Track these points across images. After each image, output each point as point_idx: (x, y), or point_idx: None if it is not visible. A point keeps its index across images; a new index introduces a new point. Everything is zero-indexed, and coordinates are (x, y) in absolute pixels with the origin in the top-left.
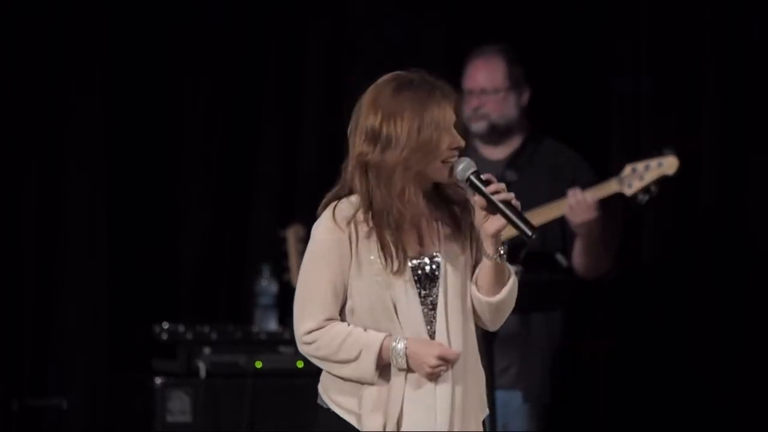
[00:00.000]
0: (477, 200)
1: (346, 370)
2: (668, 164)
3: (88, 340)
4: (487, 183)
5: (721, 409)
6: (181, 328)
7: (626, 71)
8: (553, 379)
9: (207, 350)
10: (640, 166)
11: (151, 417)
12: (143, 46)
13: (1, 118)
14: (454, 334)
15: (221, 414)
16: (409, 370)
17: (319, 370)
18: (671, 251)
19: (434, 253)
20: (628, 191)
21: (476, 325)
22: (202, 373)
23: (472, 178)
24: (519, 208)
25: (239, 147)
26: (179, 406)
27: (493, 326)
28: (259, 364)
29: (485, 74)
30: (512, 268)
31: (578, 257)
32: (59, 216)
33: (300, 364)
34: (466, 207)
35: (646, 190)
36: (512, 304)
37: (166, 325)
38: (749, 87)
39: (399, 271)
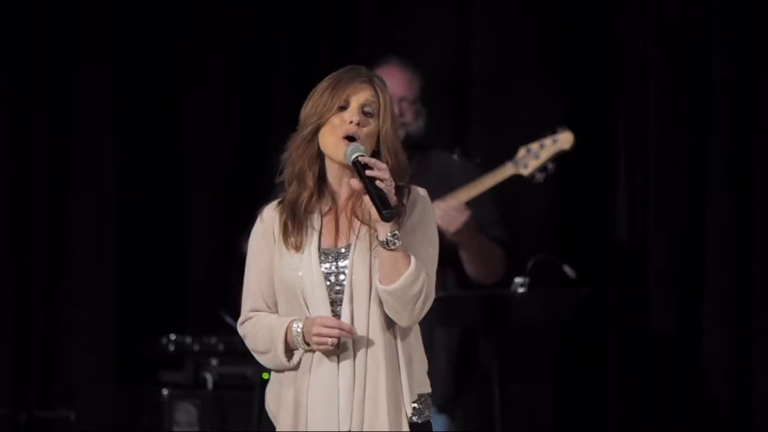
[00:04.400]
0: (352, 183)
1: (266, 360)
2: (563, 139)
3: (96, 351)
4: (366, 166)
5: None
6: (189, 340)
7: (632, 73)
8: (458, 387)
9: (214, 361)
10: (534, 146)
11: (158, 428)
12: (151, 53)
13: (8, 127)
14: (359, 324)
15: (228, 425)
16: (319, 358)
17: None
18: (678, 261)
19: (346, 245)
20: (525, 171)
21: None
22: (210, 384)
23: (355, 161)
24: (386, 189)
25: (248, 159)
26: (186, 418)
27: (401, 320)
28: (266, 375)
29: (404, 83)
30: (413, 260)
31: (468, 267)
32: (68, 229)
33: None
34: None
35: (542, 168)
36: (419, 297)
37: (173, 337)
38: (757, 89)
39: (305, 256)
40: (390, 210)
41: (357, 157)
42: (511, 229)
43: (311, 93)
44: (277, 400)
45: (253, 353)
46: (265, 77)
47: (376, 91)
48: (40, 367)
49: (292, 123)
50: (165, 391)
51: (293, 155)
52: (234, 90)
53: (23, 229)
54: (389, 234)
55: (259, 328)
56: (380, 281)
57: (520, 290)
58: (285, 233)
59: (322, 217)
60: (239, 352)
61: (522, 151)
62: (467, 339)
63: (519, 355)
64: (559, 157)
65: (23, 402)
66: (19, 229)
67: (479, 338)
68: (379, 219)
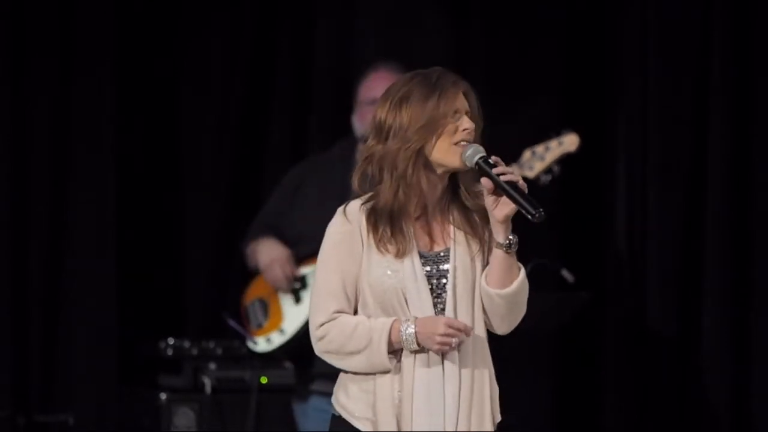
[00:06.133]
0: (484, 183)
1: (358, 360)
2: (568, 142)
3: (95, 356)
4: (494, 166)
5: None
6: (187, 344)
7: (632, 73)
8: None
9: (212, 366)
10: (539, 148)
11: None
12: (151, 53)
13: (8, 127)
14: None
15: (226, 429)
16: (420, 351)
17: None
18: (678, 262)
19: (444, 249)
20: (530, 174)
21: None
22: (208, 388)
23: (480, 162)
24: (525, 190)
25: (248, 160)
26: (185, 422)
27: (503, 326)
28: (264, 380)
29: None
30: (521, 266)
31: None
32: (67, 233)
33: None
34: (483, 214)
35: (548, 170)
36: (524, 304)
37: (171, 341)
38: (757, 89)
39: (407, 258)
40: (542, 209)
41: (482, 158)
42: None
43: (399, 101)
44: (369, 404)
45: (330, 355)
46: (265, 77)
47: (469, 98)
48: (39, 371)
49: (291, 124)
50: (163, 395)
51: (398, 162)
52: (234, 90)
53: (23, 229)
54: (511, 236)
55: (353, 328)
56: (491, 285)
57: None
58: (382, 237)
59: (413, 221)
60: (237, 357)
61: (527, 154)
62: None
63: (518, 359)
64: (562, 160)
65: (22, 405)
66: (19, 230)
67: None
68: (500, 221)
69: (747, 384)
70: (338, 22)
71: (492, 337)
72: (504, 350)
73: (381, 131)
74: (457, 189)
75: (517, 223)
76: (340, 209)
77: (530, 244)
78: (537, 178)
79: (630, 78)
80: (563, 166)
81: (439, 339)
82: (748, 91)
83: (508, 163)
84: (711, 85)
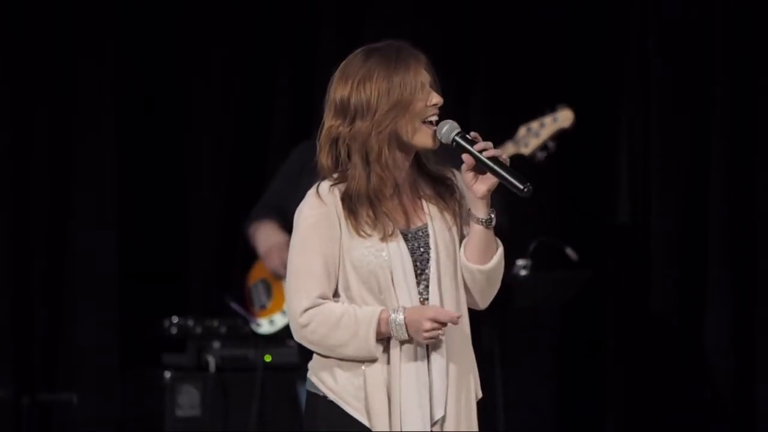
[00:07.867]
0: (465, 159)
1: (345, 349)
2: (563, 117)
3: (98, 334)
4: (473, 142)
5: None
6: (191, 323)
7: (634, 56)
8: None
9: (216, 344)
10: (534, 124)
11: (160, 411)
12: (152, 51)
13: (8, 126)
14: (448, 305)
15: (230, 408)
16: (408, 341)
17: None
18: (681, 244)
19: (422, 226)
20: (526, 150)
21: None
22: (212, 367)
23: (458, 138)
24: (508, 163)
25: (251, 142)
26: (189, 400)
27: (483, 300)
28: (268, 358)
29: None
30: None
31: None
32: (69, 212)
33: None
34: (449, 184)
35: (543, 147)
36: (500, 278)
37: (175, 320)
38: (757, 88)
39: (390, 239)
40: (529, 183)
41: (459, 134)
42: (512, 212)
43: (361, 80)
44: (358, 386)
45: (312, 344)
46: (265, 77)
47: (429, 70)
48: (43, 351)
49: (291, 123)
50: (167, 374)
51: (370, 145)
52: (234, 90)
53: (24, 211)
54: (492, 211)
55: (337, 319)
56: (471, 260)
57: (523, 273)
58: (363, 222)
59: (388, 201)
60: (241, 335)
61: (522, 130)
62: (469, 321)
63: (521, 338)
64: (562, 139)
65: (26, 385)
66: (21, 209)
67: (481, 320)
68: (480, 197)
69: (750, 365)
70: (339, 21)
71: (493, 314)
72: (507, 327)
73: (345, 112)
74: (419, 160)
75: (520, 200)
76: (311, 191)
77: (535, 223)
78: (533, 154)
79: (630, 78)
80: (567, 145)
81: (424, 335)
82: (749, 91)
83: (503, 140)
84: (711, 84)
